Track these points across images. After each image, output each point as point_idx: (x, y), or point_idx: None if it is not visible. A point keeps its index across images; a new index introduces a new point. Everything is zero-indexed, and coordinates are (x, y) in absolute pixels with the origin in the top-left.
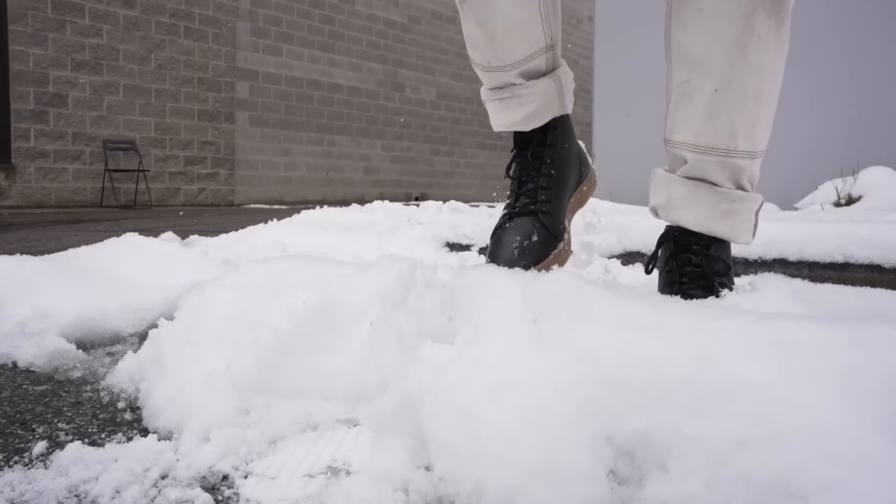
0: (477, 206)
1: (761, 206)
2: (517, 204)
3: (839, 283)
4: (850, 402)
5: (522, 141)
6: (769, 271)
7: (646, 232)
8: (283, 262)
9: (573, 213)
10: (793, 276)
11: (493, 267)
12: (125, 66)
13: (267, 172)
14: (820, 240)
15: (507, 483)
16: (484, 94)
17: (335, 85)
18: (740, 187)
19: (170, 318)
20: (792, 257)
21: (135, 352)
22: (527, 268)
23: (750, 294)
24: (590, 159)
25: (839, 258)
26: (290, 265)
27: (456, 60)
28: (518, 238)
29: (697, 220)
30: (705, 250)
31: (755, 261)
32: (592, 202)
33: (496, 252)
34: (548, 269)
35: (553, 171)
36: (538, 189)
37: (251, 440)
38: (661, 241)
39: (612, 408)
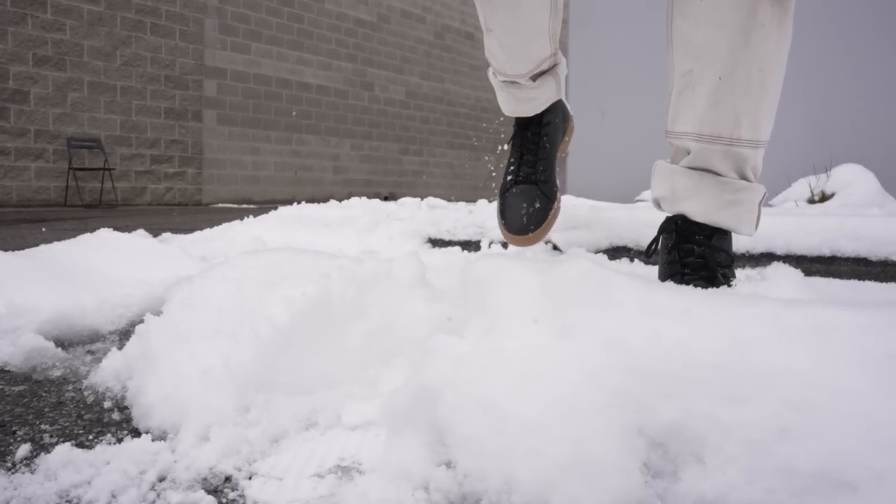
0: (455, 203)
1: (764, 197)
2: (520, 172)
3: (827, 277)
4: (894, 388)
5: (524, 121)
6: (757, 265)
7: (632, 227)
8: (276, 255)
9: (559, 157)
10: None
11: (503, 256)
12: (90, 62)
13: (235, 171)
14: (807, 234)
15: (540, 478)
16: (492, 79)
17: (304, 84)
18: (744, 177)
19: (155, 313)
20: (780, 251)
21: (118, 349)
22: (533, 231)
23: (762, 283)
24: (569, 109)
25: (826, 252)
26: (283, 257)
27: (425, 59)
28: (524, 205)
29: (701, 210)
30: (707, 240)
31: (743, 255)
32: (571, 199)
33: (507, 215)
34: (549, 228)
35: (548, 145)
36: (537, 160)
37: (253, 439)
38: (662, 230)
39: (644, 397)
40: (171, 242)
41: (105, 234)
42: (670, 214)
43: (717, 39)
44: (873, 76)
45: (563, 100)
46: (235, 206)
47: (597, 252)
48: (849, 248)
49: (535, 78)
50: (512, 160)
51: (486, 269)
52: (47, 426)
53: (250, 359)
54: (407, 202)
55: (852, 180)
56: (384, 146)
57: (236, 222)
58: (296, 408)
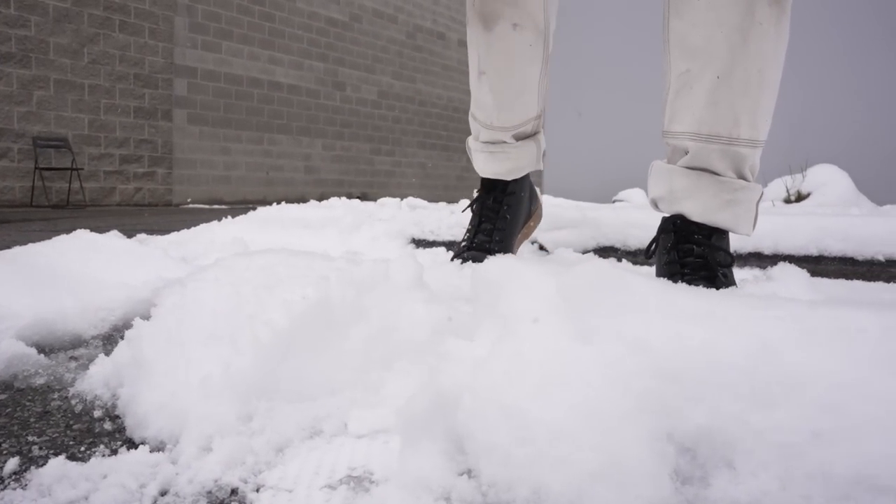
0: (435, 203)
1: (762, 196)
2: (475, 240)
3: (816, 276)
4: None
5: (489, 185)
6: (745, 265)
7: (619, 228)
8: (270, 256)
9: (520, 244)
10: (765, 269)
11: (513, 258)
12: (56, 59)
13: (206, 172)
14: (794, 233)
15: (570, 487)
16: (473, 144)
17: (275, 83)
18: (742, 177)
19: (143, 316)
20: (767, 251)
21: (106, 354)
22: None
23: (771, 283)
24: (539, 194)
25: (814, 251)
26: (277, 259)
27: (397, 59)
28: None
29: (699, 210)
30: (707, 240)
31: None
32: (551, 199)
33: None
34: None
35: (508, 216)
36: (494, 230)
37: (258, 449)
38: (661, 230)
39: (671, 401)
40: (150, 244)
41: (83, 236)
42: (668, 215)
43: (715, 39)
44: (848, 79)
45: (535, 187)
46: (207, 206)
47: (584, 252)
48: (836, 247)
49: (518, 138)
50: (470, 227)
51: (497, 270)
52: (34, 437)
53: (251, 365)
54: (387, 202)
55: (827, 180)
56: (356, 146)
57: (214, 223)
58: (299, 415)
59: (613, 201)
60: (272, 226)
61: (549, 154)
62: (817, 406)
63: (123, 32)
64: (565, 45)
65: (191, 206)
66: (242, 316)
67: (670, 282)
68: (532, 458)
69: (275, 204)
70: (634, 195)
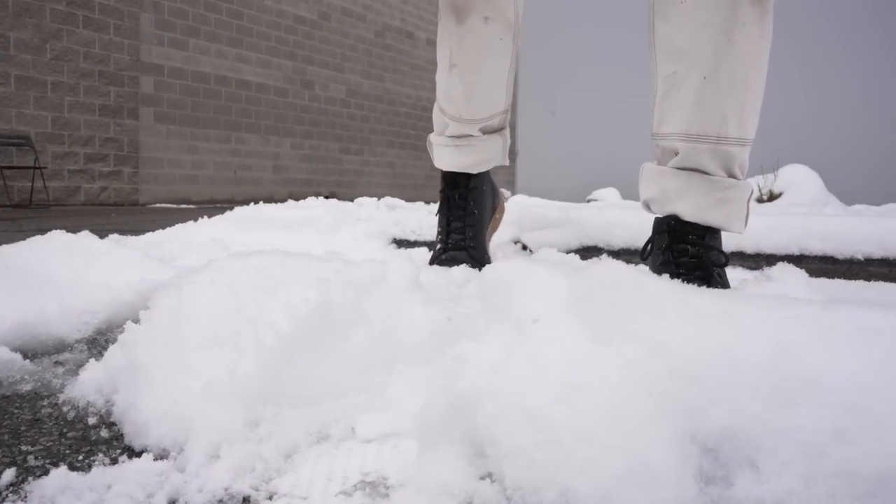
0: (413, 203)
1: (752, 194)
2: (449, 240)
3: None
4: None
5: (451, 182)
6: (727, 265)
7: (602, 227)
8: (265, 258)
9: (490, 237)
10: (751, 268)
11: (522, 259)
12: (16, 55)
13: (173, 171)
14: (775, 233)
15: (598, 489)
16: (437, 139)
17: (243, 81)
18: (732, 175)
19: (131, 320)
20: (750, 250)
21: (94, 359)
22: None
23: (771, 284)
24: (499, 189)
25: (795, 251)
26: (274, 260)
27: (365, 58)
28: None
29: (692, 209)
30: (700, 240)
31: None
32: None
33: None
34: None
35: (476, 211)
36: (465, 227)
37: (267, 455)
38: (655, 231)
39: (693, 402)
40: (127, 245)
41: (59, 237)
42: (661, 216)
43: (700, 40)
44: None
45: (491, 179)
46: (174, 206)
47: (567, 252)
48: (816, 246)
49: (485, 132)
50: (440, 230)
51: (508, 272)
52: (28, 447)
53: (256, 370)
54: (365, 202)
55: (798, 180)
56: (324, 145)
57: (190, 223)
58: (305, 420)
59: (588, 200)
60: (250, 226)
61: (522, 153)
62: (838, 405)
63: (88, 28)
64: (539, 45)
65: (158, 206)
66: (244, 319)
67: (683, 283)
68: (558, 460)
69: (246, 204)
70: (608, 195)
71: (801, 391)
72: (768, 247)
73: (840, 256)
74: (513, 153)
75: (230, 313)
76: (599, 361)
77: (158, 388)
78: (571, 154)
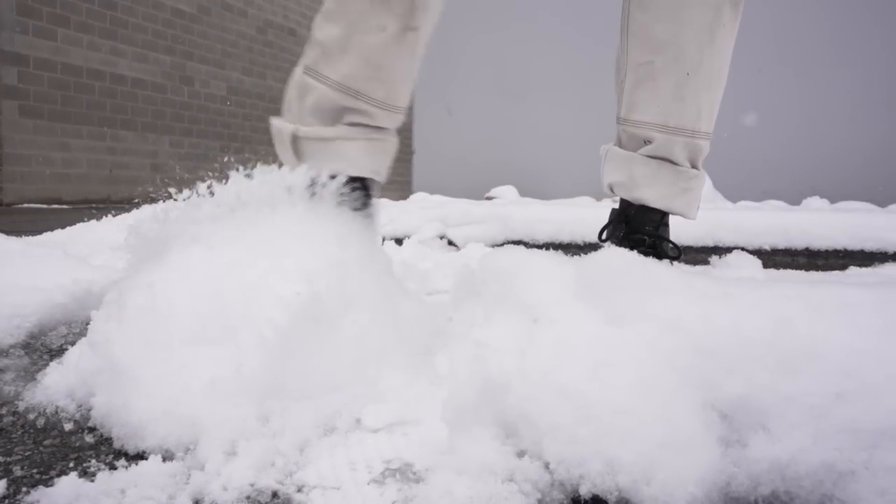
0: None
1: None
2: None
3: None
4: None
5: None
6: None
7: (527, 222)
8: (233, 251)
9: None
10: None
11: (521, 249)
12: None
13: (42, 169)
14: (692, 226)
15: (641, 457)
16: (334, 131)
17: (118, 76)
18: (695, 166)
19: (71, 323)
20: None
21: (50, 362)
22: None
23: (731, 269)
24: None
25: (710, 243)
26: (240, 254)
27: (247, 55)
28: None
29: (658, 197)
30: (655, 231)
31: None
32: (424, 196)
33: None
34: None
35: None
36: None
37: (283, 450)
38: (614, 220)
39: (710, 375)
40: (43, 244)
41: None
42: (623, 198)
43: (683, 36)
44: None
45: None
46: (45, 206)
47: (493, 246)
48: (729, 238)
49: (395, 128)
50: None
51: (509, 261)
52: (4, 457)
53: (261, 365)
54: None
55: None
56: (205, 143)
57: (93, 222)
58: (311, 413)
59: (486, 198)
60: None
61: (418, 151)
62: (836, 371)
63: None
64: (435, 42)
65: (25, 206)
66: (234, 315)
67: (683, 267)
68: (600, 434)
69: (123, 204)
70: (506, 192)
71: (803, 360)
72: (686, 239)
73: (750, 248)
74: (409, 152)
75: (217, 310)
76: (622, 340)
77: (151, 389)
78: (469, 151)
